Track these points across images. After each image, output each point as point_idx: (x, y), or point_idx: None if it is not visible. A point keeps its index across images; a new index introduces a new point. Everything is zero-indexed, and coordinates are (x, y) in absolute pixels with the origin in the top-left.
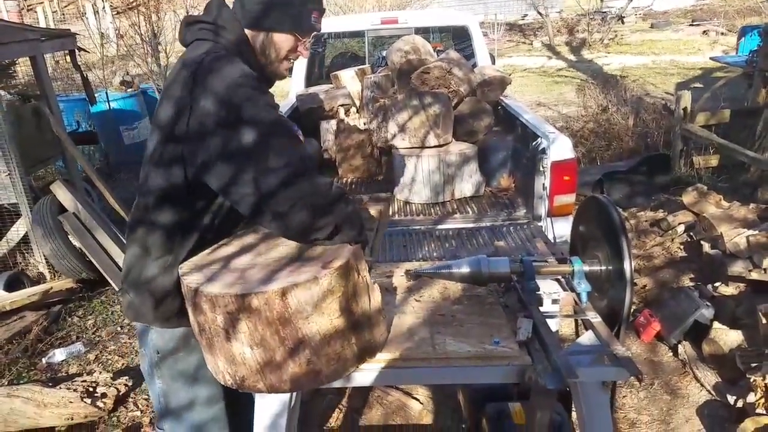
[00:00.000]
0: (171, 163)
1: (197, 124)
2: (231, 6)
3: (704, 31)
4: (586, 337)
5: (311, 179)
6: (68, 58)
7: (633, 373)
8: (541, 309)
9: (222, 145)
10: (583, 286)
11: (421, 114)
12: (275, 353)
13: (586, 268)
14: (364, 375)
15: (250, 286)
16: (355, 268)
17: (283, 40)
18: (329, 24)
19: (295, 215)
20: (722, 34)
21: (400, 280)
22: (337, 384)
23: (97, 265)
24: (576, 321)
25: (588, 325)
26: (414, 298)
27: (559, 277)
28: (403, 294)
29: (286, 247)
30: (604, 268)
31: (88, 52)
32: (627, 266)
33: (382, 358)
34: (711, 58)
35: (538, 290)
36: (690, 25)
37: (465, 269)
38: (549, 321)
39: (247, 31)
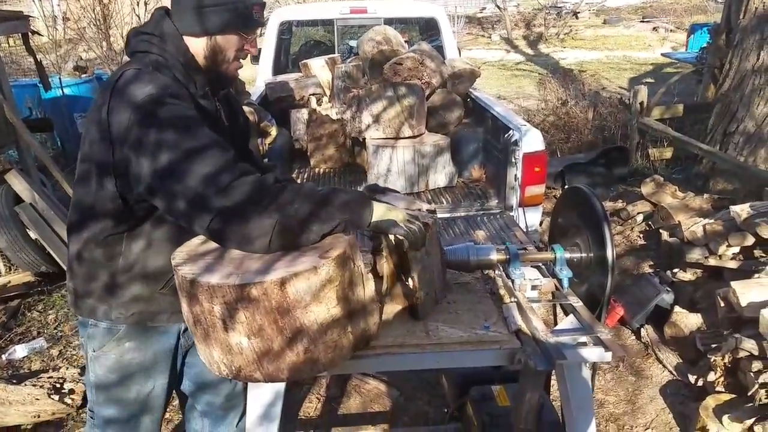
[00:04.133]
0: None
1: (120, 147)
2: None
3: (654, 28)
4: (569, 321)
5: (244, 182)
6: (11, 41)
7: (618, 354)
8: (526, 295)
9: (147, 165)
10: (565, 273)
11: (395, 105)
12: (273, 343)
13: (568, 255)
14: (361, 362)
15: (249, 276)
16: (351, 257)
17: (228, 42)
18: (298, 12)
19: (245, 221)
20: (671, 30)
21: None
22: (333, 372)
23: (56, 258)
24: (554, 306)
25: (570, 310)
26: None
27: (540, 264)
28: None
29: None
30: (585, 255)
31: (42, 35)
32: (609, 253)
33: (377, 345)
34: (662, 54)
35: (523, 277)
36: (641, 21)
37: (453, 257)
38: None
39: (189, 39)
